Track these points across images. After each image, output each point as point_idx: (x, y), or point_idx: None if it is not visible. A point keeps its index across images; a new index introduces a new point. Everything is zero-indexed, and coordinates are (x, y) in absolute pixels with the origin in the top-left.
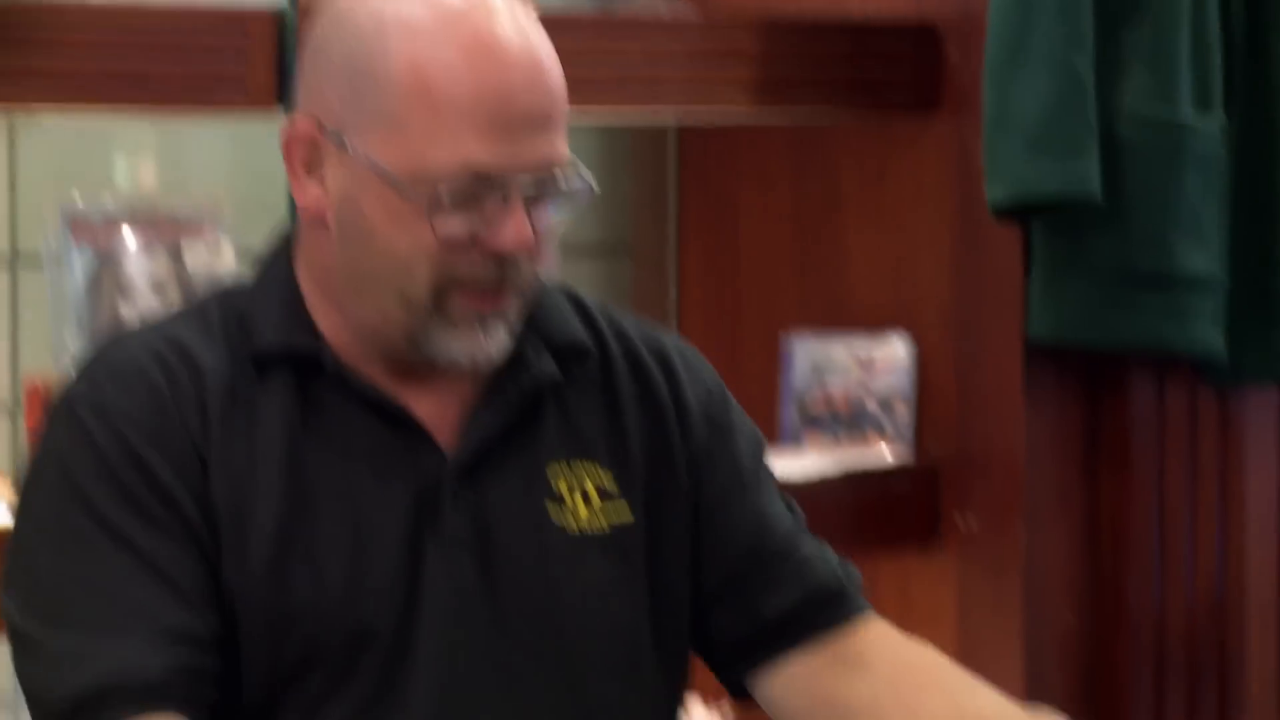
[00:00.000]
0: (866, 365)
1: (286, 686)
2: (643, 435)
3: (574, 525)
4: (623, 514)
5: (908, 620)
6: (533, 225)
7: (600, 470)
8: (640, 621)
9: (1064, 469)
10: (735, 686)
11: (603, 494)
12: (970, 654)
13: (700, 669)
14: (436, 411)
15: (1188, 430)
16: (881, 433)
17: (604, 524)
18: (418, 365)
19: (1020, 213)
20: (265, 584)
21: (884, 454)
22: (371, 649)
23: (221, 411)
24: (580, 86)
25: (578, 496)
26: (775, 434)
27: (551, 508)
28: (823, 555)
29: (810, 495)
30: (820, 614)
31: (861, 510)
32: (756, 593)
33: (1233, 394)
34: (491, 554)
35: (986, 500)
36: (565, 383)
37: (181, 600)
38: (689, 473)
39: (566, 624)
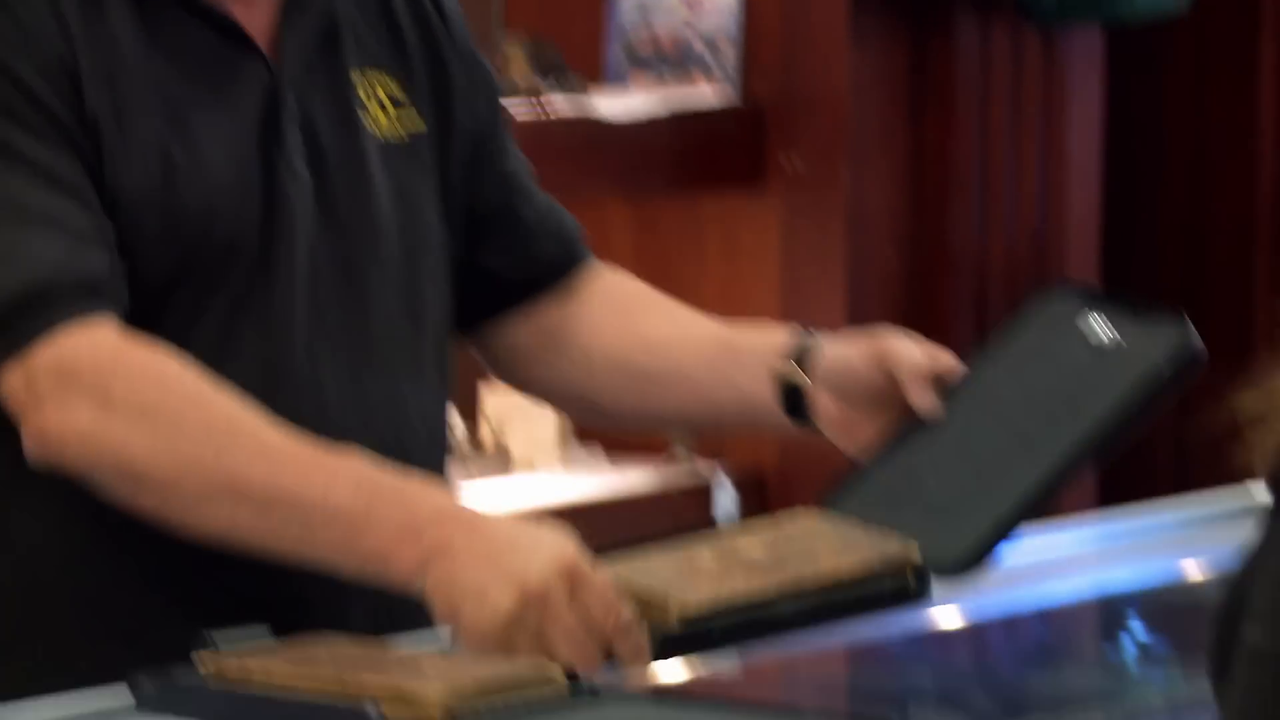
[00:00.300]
0: (693, 4)
1: (163, 299)
2: (421, 50)
3: (379, 133)
4: (416, 123)
5: (733, 261)
6: None
7: (389, 78)
8: (444, 230)
9: (888, 109)
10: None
11: (395, 102)
12: (793, 294)
13: None
14: (249, 21)
15: (1011, 70)
16: (707, 74)
17: (402, 132)
18: None
19: None
20: (150, 195)
21: (709, 94)
22: (240, 259)
23: (78, 23)
24: None
25: (375, 103)
26: (600, 74)
27: (360, 114)
28: (551, 201)
29: (636, 136)
30: (561, 259)
31: (687, 151)
32: (510, 238)
33: (1057, 33)
34: (322, 163)
35: (811, 141)
36: None
37: (85, 206)
38: (458, 98)
39: (390, 229)
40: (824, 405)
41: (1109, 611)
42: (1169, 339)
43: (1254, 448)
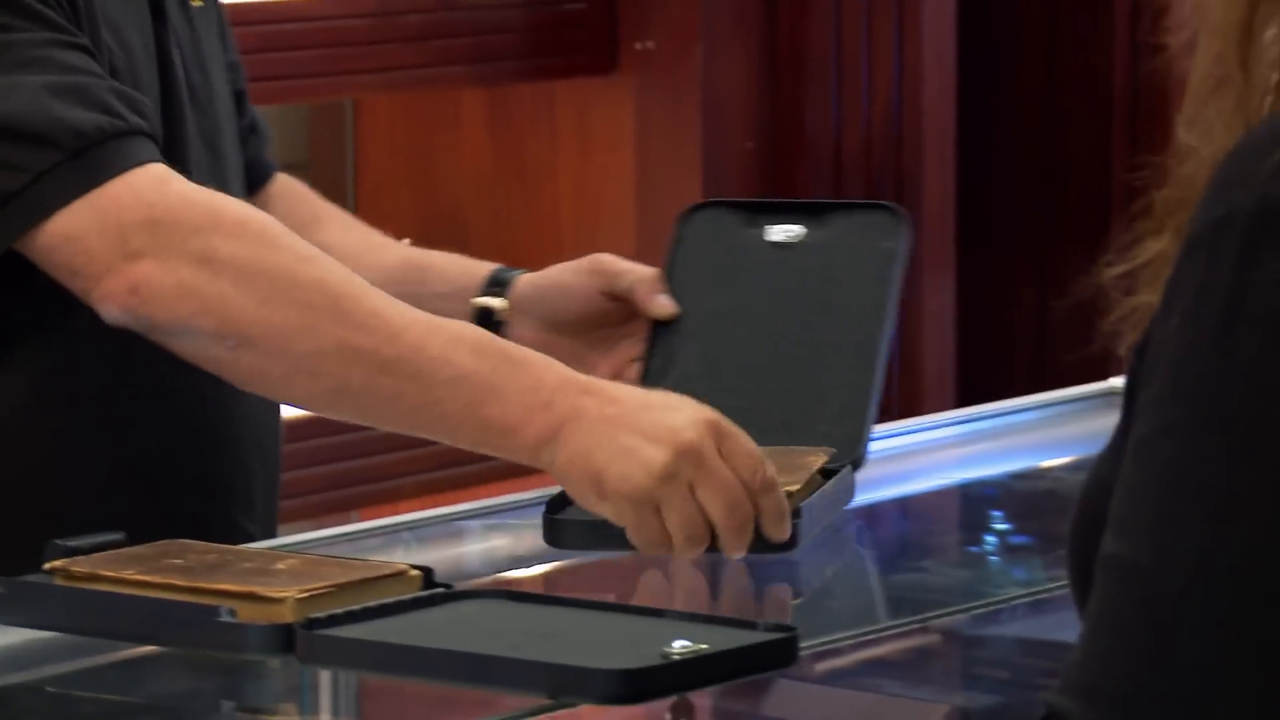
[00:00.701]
0: None
1: None
2: None
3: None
4: None
5: (588, 146)
6: None
7: None
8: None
9: None
10: None
11: None
12: (649, 179)
13: None
14: None
15: None
16: None
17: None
18: None
19: None
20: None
21: None
22: (159, 144)
23: None
24: None
25: None
26: None
27: None
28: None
29: (487, 17)
30: (265, 162)
31: (539, 33)
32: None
33: None
34: (177, 36)
35: (665, 24)
36: None
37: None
38: None
39: (219, 96)
40: (520, 334)
41: (970, 504)
42: (878, 223)
43: (1117, 338)
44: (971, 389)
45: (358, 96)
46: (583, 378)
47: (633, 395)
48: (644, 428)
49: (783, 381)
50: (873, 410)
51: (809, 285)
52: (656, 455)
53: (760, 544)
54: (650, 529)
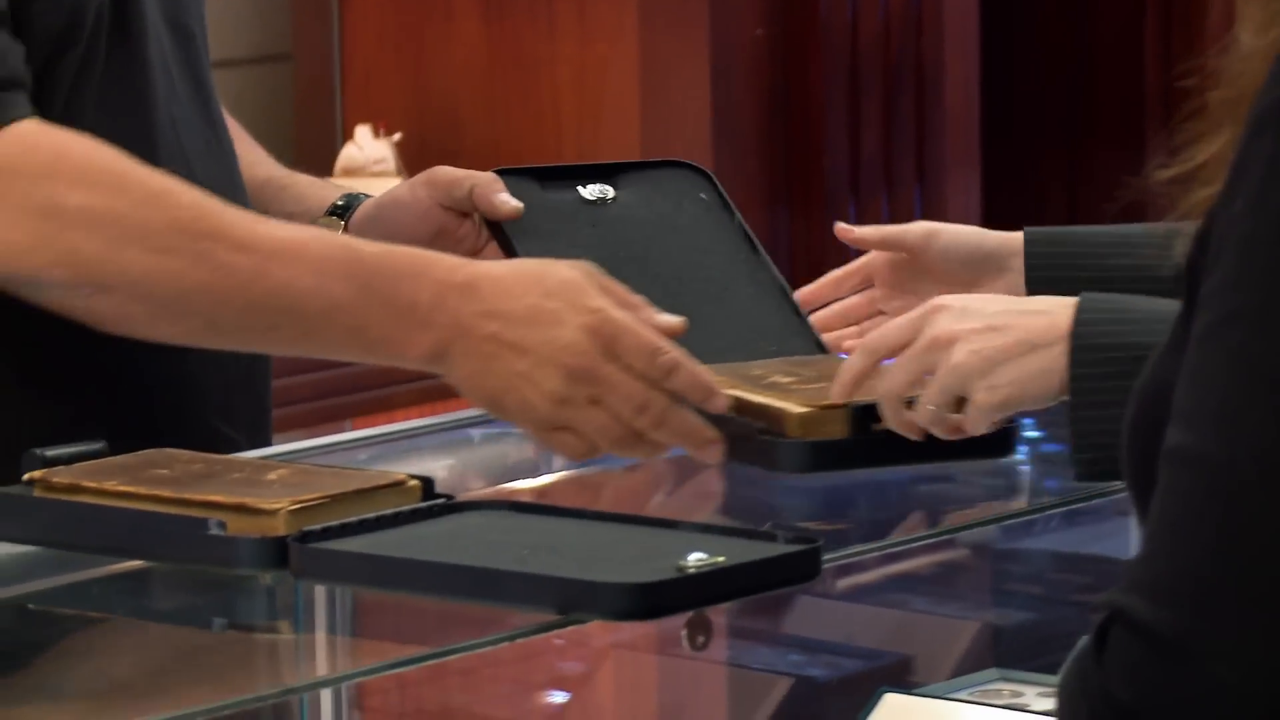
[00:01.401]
0: None
1: (43, 80)
2: None
3: None
4: None
5: (588, 34)
6: None
7: None
8: None
9: None
10: None
11: None
12: (653, 69)
13: None
14: None
15: None
16: None
17: None
18: None
19: None
20: None
21: None
22: (103, 26)
23: None
24: None
25: None
26: None
27: None
28: None
29: None
30: None
31: None
32: None
33: None
34: None
35: None
36: None
37: None
38: None
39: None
40: None
41: None
42: (680, 178)
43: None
44: None
45: None
46: (459, 277)
47: (513, 305)
48: (531, 347)
49: (697, 317)
50: (815, 331)
51: (653, 235)
52: (549, 381)
53: (972, 449)
54: (571, 447)
